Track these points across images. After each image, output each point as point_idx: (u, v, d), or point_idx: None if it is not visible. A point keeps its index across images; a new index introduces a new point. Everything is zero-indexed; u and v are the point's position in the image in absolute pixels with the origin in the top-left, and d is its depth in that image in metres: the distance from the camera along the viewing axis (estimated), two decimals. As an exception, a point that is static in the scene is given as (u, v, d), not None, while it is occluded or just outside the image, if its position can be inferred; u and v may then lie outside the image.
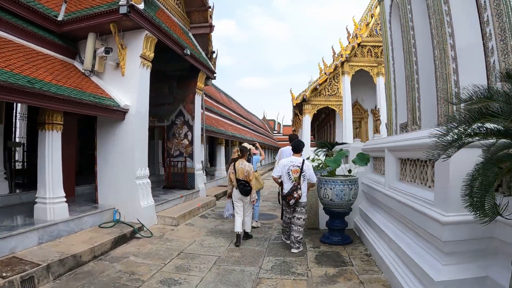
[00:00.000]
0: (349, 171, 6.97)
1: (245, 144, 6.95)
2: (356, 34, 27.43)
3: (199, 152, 11.46)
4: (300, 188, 5.66)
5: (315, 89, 27.54)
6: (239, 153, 6.57)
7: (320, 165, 7.64)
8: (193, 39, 11.08)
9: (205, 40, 11.61)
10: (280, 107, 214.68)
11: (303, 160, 5.86)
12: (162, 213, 7.93)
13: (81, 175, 10.05)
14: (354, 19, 27.24)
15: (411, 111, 12.24)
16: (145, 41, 7.42)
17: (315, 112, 28.29)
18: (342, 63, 27.37)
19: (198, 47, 11.12)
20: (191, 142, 10.99)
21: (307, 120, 28.13)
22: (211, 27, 11.33)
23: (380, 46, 28.09)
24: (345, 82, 27.86)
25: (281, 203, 6.35)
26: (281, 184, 5.97)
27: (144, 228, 6.97)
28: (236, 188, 6.23)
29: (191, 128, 11.02)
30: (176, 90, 11.30)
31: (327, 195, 6.19)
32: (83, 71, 7.24)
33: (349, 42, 27.07)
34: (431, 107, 11.77)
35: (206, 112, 13.15)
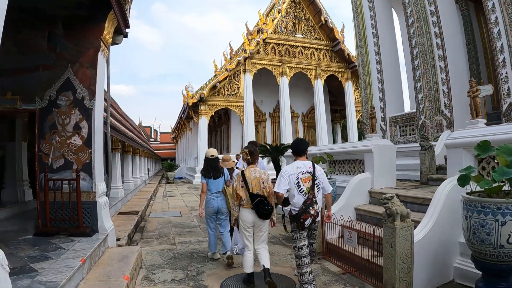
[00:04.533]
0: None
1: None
2: (261, 29, 23.84)
3: (102, 161, 6.00)
4: (316, 202, 4.00)
5: (214, 87, 22.74)
6: (248, 156, 4.43)
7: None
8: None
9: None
10: (155, 115, 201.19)
11: (313, 164, 4.19)
12: None
13: None
14: (260, 13, 23.69)
15: (431, 97, 8.76)
16: None
17: (212, 113, 23.80)
18: (245, 60, 23.57)
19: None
20: (89, 142, 5.48)
21: (203, 122, 23.19)
22: None
23: (285, 44, 24.95)
24: (247, 81, 23.78)
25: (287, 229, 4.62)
26: (284, 201, 4.17)
27: None
28: (251, 209, 4.19)
29: (87, 114, 5.51)
30: (61, 42, 5.63)
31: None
32: None
33: (249, 40, 23.40)
34: (461, 91, 8.40)
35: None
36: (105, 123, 6.37)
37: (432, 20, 7.45)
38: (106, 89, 6.58)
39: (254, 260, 4.44)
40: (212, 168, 5.40)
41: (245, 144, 23.51)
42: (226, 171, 5.63)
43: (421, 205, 5.11)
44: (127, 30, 6.98)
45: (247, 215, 4.28)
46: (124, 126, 14.43)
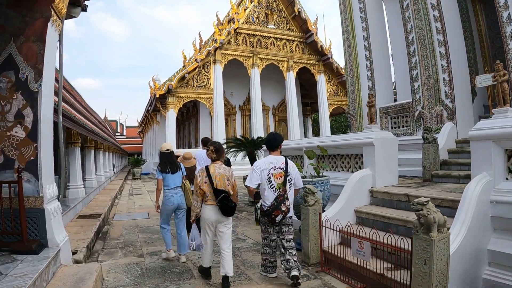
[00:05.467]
0: None
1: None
2: (233, 18, 22.70)
3: (51, 158, 4.86)
4: (287, 198, 4.03)
5: (182, 78, 21.38)
6: (214, 154, 4.27)
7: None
8: None
9: None
10: (122, 109, 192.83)
11: (286, 159, 4.20)
12: None
13: None
14: (231, 2, 22.45)
15: (430, 86, 7.84)
16: None
17: (181, 106, 22.46)
18: (215, 50, 22.39)
19: None
20: (33, 134, 4.35)
21: (171, 115, 21.77)
22: None
23: (257, 35, 23.87)
24: (217, 72, 22.55)
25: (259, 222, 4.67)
26: (256, 195, 4.24)
27: None
28: (215, 205, 3.99)
29: (32, 99, 4.38)
30: (3, 11, 4.51)
31: None
32: None
33: (220, 30, 22.26)
34: (465, 79, 7.52)
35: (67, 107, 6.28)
36: (56, 110, 5.20)
37: (431, 3, 6.76)
38: (58, 69, 5.43)
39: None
40: (169, 163, 5.17)
41: (214, 139, 22.49)
42: (182, 165, 5.44)
43: (439, 207, 4.34)
44: (86, 2, 5.87)
45: (210, 213, 4.06)
46: (86, 118, 13.02)
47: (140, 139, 49.27)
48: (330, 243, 4.80)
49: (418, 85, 7.04)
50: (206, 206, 4.08)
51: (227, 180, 4.10)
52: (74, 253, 5.01)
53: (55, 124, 5.26)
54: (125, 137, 50.92)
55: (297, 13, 23.50)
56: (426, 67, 6.85)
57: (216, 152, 4.26)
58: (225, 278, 3.97)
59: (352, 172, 5.94)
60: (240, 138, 10.79)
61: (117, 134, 49.43)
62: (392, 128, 8.12)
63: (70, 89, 15.06)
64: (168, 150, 5.27)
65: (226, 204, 3.98)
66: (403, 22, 7.45)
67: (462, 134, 6.61)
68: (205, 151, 7.35)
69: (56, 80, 5.41)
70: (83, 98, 24.34)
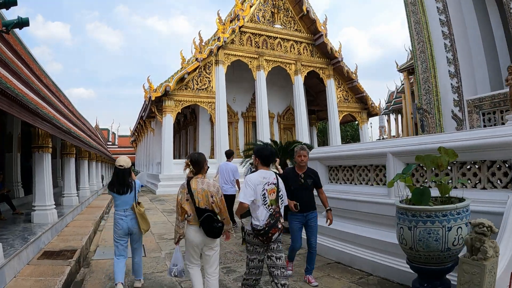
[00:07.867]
0: None
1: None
2: (237, 15, 20.29)
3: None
4: (281, 215, 3.62)
5: (181, 79, 18.57)
6: (191, 166, 3.60)
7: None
8: None
9: None
10: (115, 119, 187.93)
11: (276, 175, 3.73)
12: None
13: None
14: (237, -2, 20.17)
15: None
16: None
17: (179, 110, 19.84)
18: (218, 49, 19.98)
19: None
20: None
21: (168, 121, 18.91)
22: None
23: (263, 35, 21.17)
24: (220, 73, 19.80)
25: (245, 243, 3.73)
26: (246, 212, 3.64)
27: None
28: (198, 226, 3.43)
29: None
30: None
31: None
32: None
33: (225, 28, 19.89)
34: None
35: (21, 87, 3.88)
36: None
37: None
38: None
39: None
40: (118, 182, 4.23)
41: (217, 147, 19.81)
42: (137, 183, 4.44)
43: None
44: None
45: (194, 234, 3.47)
46: (74, 124, 10.33)
47: (133, 148, 46.40)
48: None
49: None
50: (189, 227, 3.55)
51: (211, 197, 3.46)
52: None
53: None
54: (117, 146, 48.00)
55: (305, 12, 21.30)
56: None
57: (194, 165, 3.59)
58: None
59: (484, 188, 3.48)
60: (268, 143, 8.33)
61: (108, 143, 46.43)
62: (485, 127, 5.73)
63: (56, 92, 12.25)
64: (121, 166, 4.25)
65: (210, 225, 3.43)
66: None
67: None
68: (227, 163, 7.33)
69: None
70: (71, 102, 21.65)
